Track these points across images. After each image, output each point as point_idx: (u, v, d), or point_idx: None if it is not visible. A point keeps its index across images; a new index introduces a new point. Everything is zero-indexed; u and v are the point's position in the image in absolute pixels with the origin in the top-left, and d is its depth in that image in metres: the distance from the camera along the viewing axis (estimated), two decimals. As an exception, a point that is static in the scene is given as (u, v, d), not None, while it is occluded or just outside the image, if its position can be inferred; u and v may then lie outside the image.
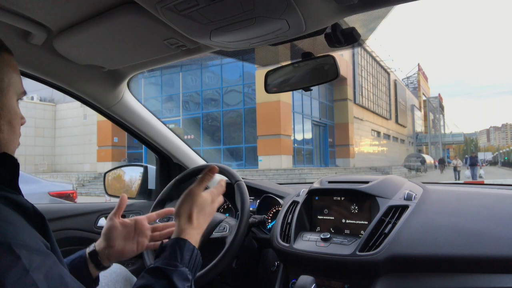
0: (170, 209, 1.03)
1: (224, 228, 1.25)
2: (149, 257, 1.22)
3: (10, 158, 0.64)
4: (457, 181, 10.97)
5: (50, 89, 1.42)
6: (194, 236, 0.80)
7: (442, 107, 57.90)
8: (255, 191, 1.56)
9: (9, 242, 0.52)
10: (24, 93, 0.71)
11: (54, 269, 0.55)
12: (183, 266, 0.72)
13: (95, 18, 0.93)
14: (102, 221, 1.64)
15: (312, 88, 1.14)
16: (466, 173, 17.54)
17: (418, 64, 52.76)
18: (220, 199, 0.92)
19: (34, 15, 0.93)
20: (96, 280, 0.90)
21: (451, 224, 1.02)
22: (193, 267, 0.75)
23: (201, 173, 0.90)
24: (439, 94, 54.11)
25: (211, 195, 0.89)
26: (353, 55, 23.01)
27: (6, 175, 0.63)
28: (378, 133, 28.62)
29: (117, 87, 1.41)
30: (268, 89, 1.21)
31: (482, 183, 2.69)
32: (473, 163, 17.51)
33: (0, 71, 0.64)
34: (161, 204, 1.46)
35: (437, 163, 33.44)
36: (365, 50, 24.72)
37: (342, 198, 1.21)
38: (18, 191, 0.64)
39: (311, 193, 1.28)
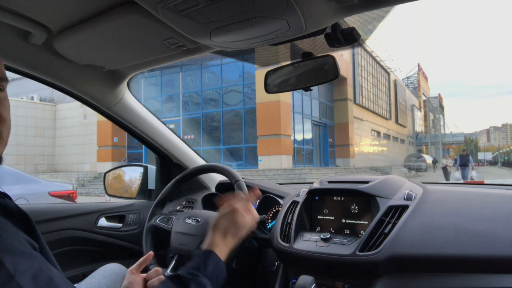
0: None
1: (224, 228, 1.25)
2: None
3: None
4: (457, 181, 10.82)
5: (50, 89, 1.42)
6: (223, 250, 0.84)
7: (442, 107, 57.85)
8: (255, 191, 1.56)
9: None
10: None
11: (43, 271, 0.54)
12: (203, 276, 0.74)
13: (95, 18, 0.93)
14: (102, 221, 1.64)
15: (312, 88, 1.14)
16: (455, 175, 14.97)
17: (418, 64, 52.74)
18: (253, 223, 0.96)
19: (34, 15, 0.93)
20: None
21: (451, 224, 1.01)
22: (216, 279, 0.77)
23: (247, 192, 0.95)
24: (439, 94, 54.02)
25: (250, 216, 0.94)
26: (353, 55, 22.99)
27: None
28: (378, 133, 28.60)
29: (117, 87, 1.41)
30: (268, 89, 1.21)
31: (482, 183, 2.69)
32: (463, 163, 14.72)
33: None
34: (161, 204, 1.46)
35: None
36: (365, 50, 24.70)
37: (342, 198, 1.21)
38: (2, 193, 0.63)
39: (311, 193, 1.28)
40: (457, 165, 15.29)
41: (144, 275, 0.94)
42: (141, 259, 0.96)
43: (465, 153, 15.41)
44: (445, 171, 17.61)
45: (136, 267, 0.94)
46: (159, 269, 0.96)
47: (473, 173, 14.74)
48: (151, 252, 0.99)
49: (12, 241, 0.53)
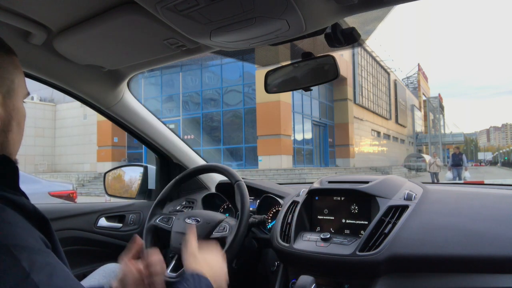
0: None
1: (224, 228, 1.25)
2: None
3: (10, 160, 0.64)
4: (457, 181, 10.66)
5: (50, 89, 1.42)
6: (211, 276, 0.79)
7: (442, 107, 57.80)
8: (255, 191, 1.56)
9: (8, 244, 0.50)
10: (28, 94, 0.71)
11: (58, 269, 0.54)
12: None
13: (95, 18, 0.93)
14: (102, 221, 1.64)
15: (312, 88, 1.14)
16: (447, 175, 13.00)
17: (418, 64, 52.73)
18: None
19: (34, 15, 0.93)
20: None
21: (451, 224, 1.02)
22: None
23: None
24: (439, 94, 53.97)
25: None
26: (353, 55, 22.99)
27: (8, 176, 0.62)
28: (378, 133, 28.60)
29: (117, 87, 1.41)
30: (268, 89, 1.21)
31: (482, 183, 2.70)
32: (456, 163, 12.70)
33: (10, 73, 0.64)
34: (161, 204, 1.46)
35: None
36: (365, 50, 24.70)
37: (342, 198, 1.21)
38: (21, 193, 0.63)
39: (311, 193, 1.28)
40: (449, 165, 13.21)
41: (140, 266, 0.84)
42: (129, 246, 0.88)
43: (458, 152, 13.14)
44: (432, 175, 14.48)
45: (127, 256, 0.87)
46: (164, 266, 0.87)
47: (466, 174, 12.75)
48: (139, 238, 0.90)
49: (28, 238, 0.54)
